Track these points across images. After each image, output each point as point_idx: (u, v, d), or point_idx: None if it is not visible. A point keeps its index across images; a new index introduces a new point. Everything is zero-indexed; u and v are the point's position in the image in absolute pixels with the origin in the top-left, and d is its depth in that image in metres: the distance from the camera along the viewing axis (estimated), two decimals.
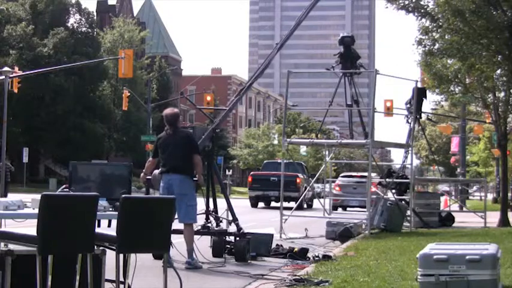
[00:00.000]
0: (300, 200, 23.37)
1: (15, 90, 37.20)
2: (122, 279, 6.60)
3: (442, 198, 27.19)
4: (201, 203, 11.54)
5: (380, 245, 13.50)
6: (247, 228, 12.87)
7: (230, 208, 12.32)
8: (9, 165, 37.48)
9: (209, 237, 12.38)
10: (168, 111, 11.12)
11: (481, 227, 20.64)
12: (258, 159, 73.34)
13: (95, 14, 69.50)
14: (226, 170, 56.18)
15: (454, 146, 51.36)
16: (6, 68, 36.32)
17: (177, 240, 11.15)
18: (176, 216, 10.77)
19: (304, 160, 61.42)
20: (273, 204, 34.05)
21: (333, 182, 28.68)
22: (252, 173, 38.70)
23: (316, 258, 11.46)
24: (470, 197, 52.12)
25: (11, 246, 6.37)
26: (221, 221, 12.46)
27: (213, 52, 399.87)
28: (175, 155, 10.81)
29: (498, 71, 21.33)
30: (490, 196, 53.19)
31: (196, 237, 11.16)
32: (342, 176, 34.43)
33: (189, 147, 10.94)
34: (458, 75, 22.23)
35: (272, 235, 12.91)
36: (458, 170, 48.38)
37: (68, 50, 58.72)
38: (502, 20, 19.20)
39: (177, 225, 10.79)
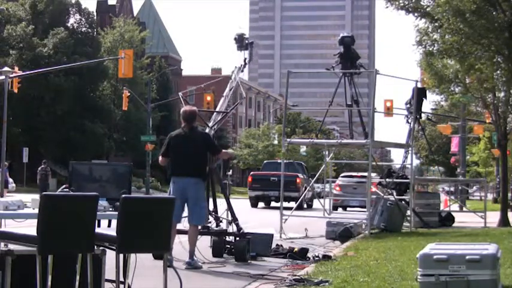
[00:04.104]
0: (300, 200, 23.37)
1: (15, 90, 37.24)
2: (122, 279, 6.60)
3: (443, 198, 27.19)
4: None
5: (380, 245, 13.50)
6: (247, 228, 12.87)
7: (230, 208, 12.31)
8: (48, 169, 39.05)
9: (209, 237, 12.38)
10: (186, 108, 10.89)
11: (481, 227, 20.64)
12: (258, 159, 73.31)
13: (95, 14, 69.46)
14: (226, 170, 56.19)
15: (454, 146, 51.28)
16: (6, 68, 36.38)
17: (177, 241, 11.17)
18: (184, 216, 10.81)
19: (304, 160, 61.40)
20: (273, 204, 34.04)
21: (333, 182, 28.67)
22: (252, 173, 38.69)
23: (316, 258, 11.47)
24: (470, 197, 52.10)
25: (11, 246, 6.37)
26: (221, 221, 12.46)
27: (213, 52, 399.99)
28: (191, 157, 10.63)
29: (498, 71, 21.33)
30: (490, 196, 53.15)
31: None
32: (342, 176, 34.42)
33: (208, 148, 10.87)
34: (458, 75, 22.23)
35: (272, 235, 12.90)
36: (458, 170, 48.36)
37: (68, 50, 58.68)
38: (502, 20, 19.20)
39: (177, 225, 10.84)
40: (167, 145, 10.89)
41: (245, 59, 14.23)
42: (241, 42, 14.02)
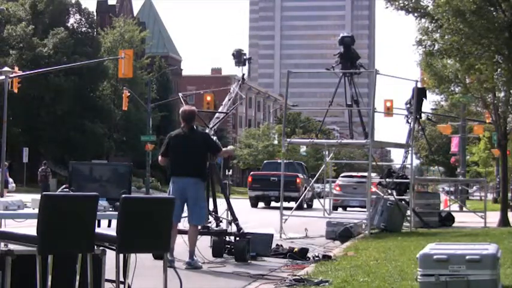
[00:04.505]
0: (300, 200, 23.36)
1: (15, 90, 37.24)
2: (122, 279, 6.60)
3: (443, 198, 27.20)
4: None
5: (380, 245, 13.50)
6: (247, 228, 12.87)
7: (230, 208, 12.31)
8: (48, 170, 39.42)
9: (209, 237, 12.38)
10: (186, 107, 10.91)
11: (481, 227, 20.64)
12: (258, 159, 73.33)
13: (95, 14, 69.45)
14: (226, 170, 56.19)
15: (454, 146, 51.30)
16: (6, 68, 36.36)
17: (180, 240, 11.16)
18: (184, 216, 10.81)
19: (304, 160, 61.40)
20: (273, 204, 34.03)
21: (333, 182, 28.67)
22: (252, 173, 38.68)
23: (316, 258, 11.47)
24: (470, 197, 52.11)
25: (11, 246, 6.37)
26: (221, 221, 12.46)
27: (213, 52, 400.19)
28: (191, 156, 10.63)
29: (498, 71, 21.33)
30: (490, 196, 53.15)
31: None
32: (342, 176, 34.42)
33: (209, 148, 10.89)
34: (458, 75, 22.23)
35: (272, 235, 12.90)
36: (458, 170, 48.36)
37: (68, 50, 58.66)
38: (502, 20, 19.20)
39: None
40: (167, 145, 10.90)
41: (243, 74, 14.32)
42: (240, 58, 14.09)
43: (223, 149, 11.47)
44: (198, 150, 10.71)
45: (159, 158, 11.11)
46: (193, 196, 10.62)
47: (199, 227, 11.38)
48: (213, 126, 13.23)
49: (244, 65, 14.11)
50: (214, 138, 12.38)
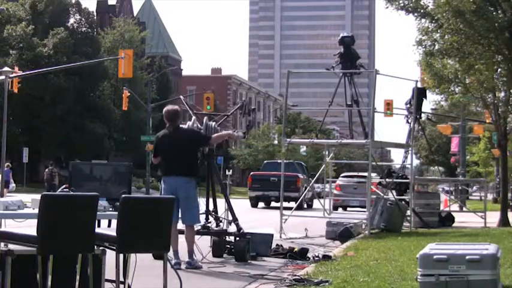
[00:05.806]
0: (300, 200, 23.36)
1: (15, 90, 37.19)
2: (122, 279, 6.60)
3: (443, 198, 27.20)
4: (201, 202, 11.53)
5: (380, 245, 13.50)
6: (247, 228, 12.86)
7: (230, 208, 12.31)
8: (55, 170, 39.41)
9: (209, 237, 12.38)
10: (169, 107, 10.90)
11: (481, 227, 20.64)
12: (258, 159, 73.31)
13: (95, 14, 69.43)
14: (226, 170, 56.12)
15: (454, 146, 51.30)
16: (6, 68, 36.30)
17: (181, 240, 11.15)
18: (179, 216, 10.80)
19: (304, 160, 61.36)
20: (273, 204, 34.03)
21: (333, 182, 28.66)
22: (252, 173, 38.69)
23: (316, 258, 11.46)
24: (470, 197, 52.11)
25: (11, 246, 6.37)
26: (221, 221, 12.45)
27: (213, 52, 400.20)
28: (179, 156, 10.63)
29: (498, 71, 21.32)
30: (490, 196, 53.18)
31: (196, 237, 11.16)
32: (342, 176, 34.42)
33: (197, 142, 10.89)
34: (458, 75, 22.23)
35: (272, 235, 12.90)
36: (458, 170, 48.37)
37: (68, 50, 58.63)
38: (502, 20, 19.21)
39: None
40: (156, 146, 11.00)
41: (248, 125, 14.42)
42: (244, 109, 14.15)
43: (214, 135, 11.33)
44: (185, 149, 10.70)
45: (152, 158, 11.18)
46: (184, 196, 10.60)
47: (199, 226, 11.37)
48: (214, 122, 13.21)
49: (249, 115, 14.20)
50: (213, 124, 12.21)
